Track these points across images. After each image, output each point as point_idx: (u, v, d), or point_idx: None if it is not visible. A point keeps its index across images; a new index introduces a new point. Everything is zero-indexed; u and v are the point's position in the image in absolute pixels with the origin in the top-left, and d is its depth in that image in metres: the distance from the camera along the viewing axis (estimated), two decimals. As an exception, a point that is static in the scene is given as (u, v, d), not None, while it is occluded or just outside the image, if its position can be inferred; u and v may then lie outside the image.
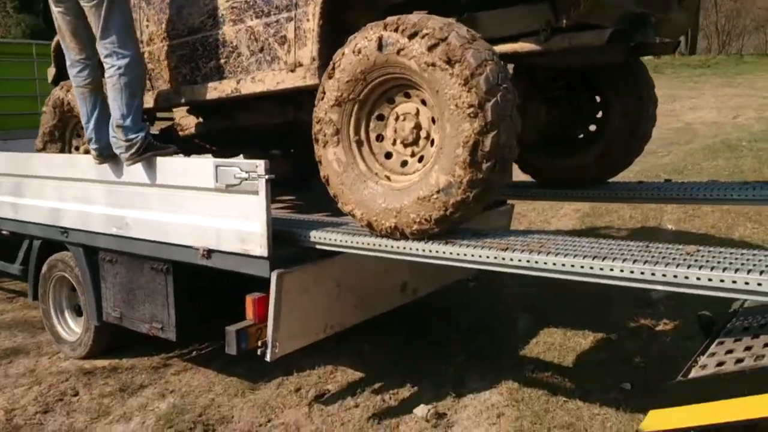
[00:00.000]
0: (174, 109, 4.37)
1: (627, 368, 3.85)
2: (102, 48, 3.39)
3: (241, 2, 3.37)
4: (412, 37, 2.54)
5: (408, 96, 2.78)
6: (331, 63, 2.82)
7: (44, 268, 4.59)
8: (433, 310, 4.93)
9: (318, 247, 3.19)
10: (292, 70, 3.16)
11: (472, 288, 5.46)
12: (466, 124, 2.43)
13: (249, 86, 3.42)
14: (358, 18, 2.96)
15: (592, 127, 3.89)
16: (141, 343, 4.34)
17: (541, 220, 7.44)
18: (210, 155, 4.79)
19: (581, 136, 3.92)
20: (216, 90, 3.59)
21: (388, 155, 2.90)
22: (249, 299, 3.32)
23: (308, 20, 3.07)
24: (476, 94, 2.40)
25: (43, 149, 4.58)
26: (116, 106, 3.41)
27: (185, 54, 3.74)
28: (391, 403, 3.62)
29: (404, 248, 2.82)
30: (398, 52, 2.59)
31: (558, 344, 4.25)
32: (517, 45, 2.83)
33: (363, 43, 2.70)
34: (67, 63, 3.67)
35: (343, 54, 2.78)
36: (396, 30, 2.59)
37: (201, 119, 4.19)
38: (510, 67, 3.15)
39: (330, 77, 2.82)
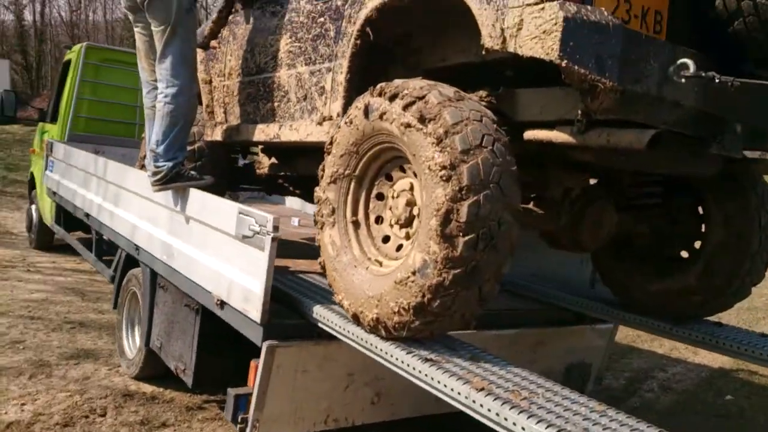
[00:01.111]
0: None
1: None
2: (157, 72, 3.41)
3: (296, 47, 3.22)
4: (392, 99, 2.22)
5: (403, 170, 2.37)
6: (329, 137, 2.53)
7: (125, 280, 4.63)
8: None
9: (320, 325, 2.74)
10: (320, 123, 2.93)
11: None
12: (439, 189, 2.04)
13: (287, 133, 3.26)
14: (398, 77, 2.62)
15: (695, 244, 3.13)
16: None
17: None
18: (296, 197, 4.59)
19: (680, 254, 3.21)
20: (263, 132, 3.47)
21: (386, 239, 2.48)
22: (253, 364, 2.97)
23: (341, 73, 2.83)
24: (449, 154, 2.02)
25: (141, 168, 4.66)
26: (154, 131, 3.41)
27: (251, 92, 3.65)
28: None
29: (380, 349, 2.37)
30: (381, 117, 2.25)
31: None
32: (552, 133, 2.31)
33: (354, 112, 2.40)
34: (141, 83, 3.71)
35: (339, 126, 2.48)
36: (380, 94, 2.32)
37: (273, 160, 3.99)
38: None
39: (328, 153, 2.53)
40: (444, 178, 2.02)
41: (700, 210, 3.12)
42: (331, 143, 2.52)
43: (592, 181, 3.08)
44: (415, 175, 2.27)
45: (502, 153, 2.08)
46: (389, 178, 2.44)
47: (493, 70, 2.41)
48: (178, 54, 3.31)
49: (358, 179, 2.47)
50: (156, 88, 3.55)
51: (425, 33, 2.72)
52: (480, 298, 2.14)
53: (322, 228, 2.57)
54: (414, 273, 2.10)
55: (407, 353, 2.27)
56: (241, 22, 3.80)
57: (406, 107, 2.17)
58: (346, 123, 2.43)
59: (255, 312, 2.78)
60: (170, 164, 3.39)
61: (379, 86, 2.34)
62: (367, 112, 2.33)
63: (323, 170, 2.55)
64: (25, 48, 33.62)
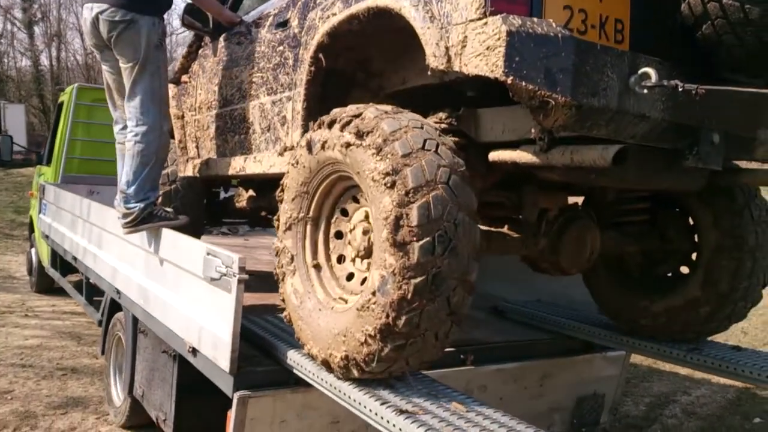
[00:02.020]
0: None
1: None
2: (126, 110, 3.31)
3: (259, 77, 3.15)
4: (330, 125, 2.15)
5: (357, 200, 2.25)
6: (279, 184, 2.46)
7: (111, 324, 4.45)
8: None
9: (294, 371, 2.51)
10: (281, 154, 2.82)
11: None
12: (385, 197, 1.94)
13: (251, 166, 3.18)
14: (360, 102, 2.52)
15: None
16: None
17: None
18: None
19: (677, 270, 3.07)
20: (230, 166, 3.40)
21: (350, 276, 2.33)
22: (229, 414, 2.73)
23: (299, 101, 2.75)
24: (390, 160, 1.94)
25: None
26: (125, 171, 3.31)
27: (220, 126, 3.58)
28: None
29: (353, 399, 2.18)
30: (323, 146, 2.18)
31: None
32: (515, 153, 2.18)
33: (298, 152, 2.34)
34: (113, 120, 3.61)
35: (287, 171, 2.42)
36: (320, 126, 2.24)
37: (251, 192, 3.84)
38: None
39: (280, 200, 2.45)
40: (388, 185, 1.92)
41: (690, 220, 2.99)
42: (282, 190, 2.44)
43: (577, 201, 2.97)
44: (367, 200, 2.14)
45: (448, 155, 1.99)
46: (345, 213, 2.31)
47: (455, 91, 2.28)
48: (148, 91, 3.22)
49: (314, 220, 2.36)
50: (125, 125, 3.43)
51: (384, 56, 2.63)
52: (450, 311, 1.97)
53: (283, 279, 2.45)
54: (374, 293, 1.96)
55: (381, 403, 2.07)
56: (210, 56, 3.74)
57: (343, 128, 2.10)
58: (292, 165, 2.36)
59: (224, 361, 2.58)
60: (141, 205, 3.27)
61: (318, 120, 2.27)
62: (309, 147, 2.25)
63: (278, 219, 2.46)
64: (41, 92, 34.18)
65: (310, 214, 2.35)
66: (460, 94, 2.27)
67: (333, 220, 2.35)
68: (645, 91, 1.85)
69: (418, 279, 1.87)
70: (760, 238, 2.76)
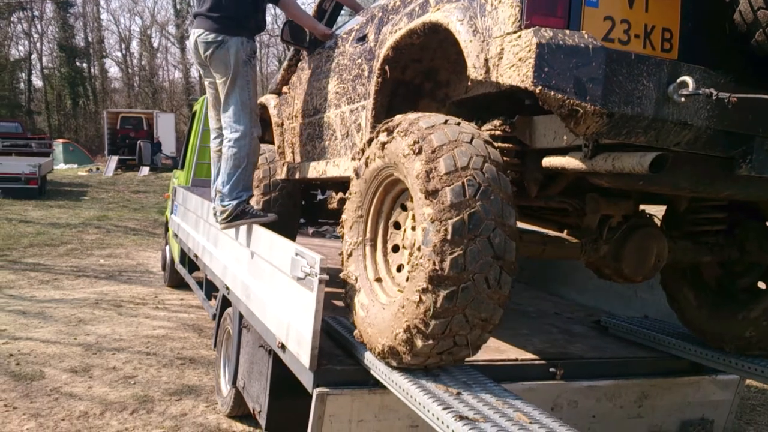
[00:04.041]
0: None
1: None
2: (222, 120, 3.74)
3: (341, 88, 3.41)
4: (370, 142, 2.43)
5: (405, 209, 2.47)
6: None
7: (222, 319, 4.71)
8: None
9: (371, 372, 2.56)
10: (354, 158, 2.97)
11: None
12: (416, 163, 2.19)
13: (331, 170, 3.44)
14: (428, 110, 2.77)
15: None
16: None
17: None
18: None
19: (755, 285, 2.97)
20: (315, 169, 3.68)
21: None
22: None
23: (370, 110, 2.96)
24: (416, 134, 2.21)
25: None
26: (221, 173, 3.72)
27: (310, 133, 3.87)
28: None
29: (417, 402, 2.25)
30: (367, 163, 2.47)
31: None
32: (564, 160, 2.26)
33: (352, 181, 2.67)
34: (210, 130, 4.07)
35: (345, 203, 2.75)
36: (362, 151, 2.56)
37: (341, 195, 4.07)
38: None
39: (341, 235, 2.74)
40: (416, 152, 2.18)
41: None
42: (342, 225, 2.68)
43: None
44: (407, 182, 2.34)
45: (469, 127, 2.21)
46: (397, 226, 2.50)
47: (515, 100, 2.36)
48: (239, 102, 3.60)
49: (372, 242, 2.59)
50: (221, 135, 3.85)
51: (450, 67, 2.74)
52: (495, 254, 2.07)
53: (351, 306, 2.67)
54: (419, 249, 2.15)
55: (443, 408, 2.11)
56: (306, 68, 4.06)
57: (377, 135, 2.38)
58: (347, 198, 2.62)
59: (305, 357, 2.70)
60: (235, 203, 3.65)
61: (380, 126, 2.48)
62: (357, 173, 2.51)
63: (341, 254, 2.68)
64: (191, 102, 36.95)
65: (368, 235, 2.56)
66: (518, 103, 2.34)
67: (389, 236, 2.53)
68: (683, 99, 1.88)
69: (455, 218, 2.00)
70: None
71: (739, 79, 2.04)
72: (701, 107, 1.94)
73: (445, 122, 2.22)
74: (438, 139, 2.14)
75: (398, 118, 2.36)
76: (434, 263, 2.03)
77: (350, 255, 2.64)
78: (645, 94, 1.89)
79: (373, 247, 2.58)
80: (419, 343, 2.18)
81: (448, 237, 2.01)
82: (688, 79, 1.87)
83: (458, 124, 2.21)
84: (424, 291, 2.07)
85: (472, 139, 2.14)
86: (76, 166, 26.24)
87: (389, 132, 2.35)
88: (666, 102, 1.90)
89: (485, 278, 2.06)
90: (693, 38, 2.12)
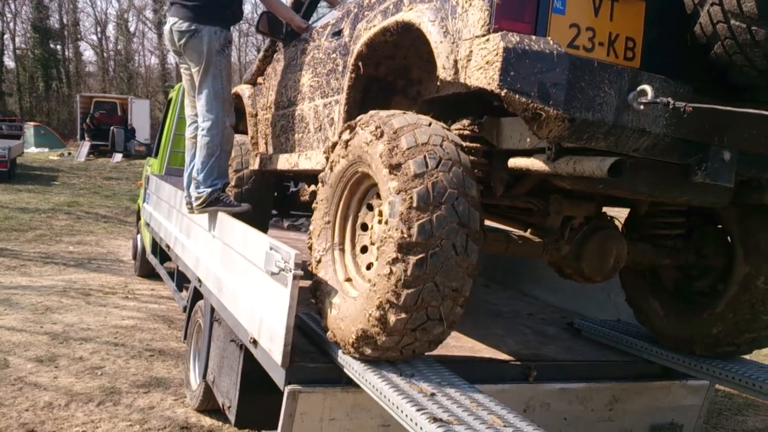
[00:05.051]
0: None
1: None
2: (197, 108, 3.78)
3: (315, 81, 3.47)
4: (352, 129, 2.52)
5: (372, 208, 2.57)
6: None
7: (193, 311, 4.66)
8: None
9: (345, 370, 2.54)
10: (326, 152, 2.96)
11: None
12: (379, 145, 2.29)
13: (303, 162, 3.51)
14: (400, 107, 2.82)
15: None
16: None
17: None
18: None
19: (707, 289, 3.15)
20: (287, 161, 3.76)
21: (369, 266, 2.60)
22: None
23: (343, 104, 3.01)
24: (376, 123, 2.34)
25: None
26: (195, 161, 3.79)
27: (284, 124, 3.93)
28: None
29: (391, 402, 2.26)
30: (332, 168, 2.61)
31: None
32: (529, 161, 2.33)
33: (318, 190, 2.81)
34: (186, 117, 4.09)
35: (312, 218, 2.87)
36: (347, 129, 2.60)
37: (313, 187, 4.17)
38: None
39: (309, 247, 2.85)
40: (378, 135, 2.29)
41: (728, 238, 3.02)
42: (309, 235, 2.77)
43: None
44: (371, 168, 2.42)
45: (426, 118, 2.33)
46: (364, 227, 2.58)
47: (484, 100, 2.39)
48: (211, 91, 3.65)
49: (340, 246, 2.66)
50: (196, 122, 3.89)
51: (421, 65, 2.79)
52: (460, 221, 2.15)
53: (323, 310, 2.70)
54: (387, 222, 2.23)
55: (417, 409, 2.12)
56: (281, 60, 4.10)
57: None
58: (314, 207, 2.76)
59: (277, 353, 2.68)
60: (209, 190, 3.71)
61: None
62: (322, 180, 2.73)
63: (309, 263, 2.72)
64: (167, 89, 36.63)
65: (336, 240, 2.63)
66: (488, 103, 2.39)
67: (356, 238, 2.59)
68: (642, 107, 1.95)
69: (419, 187, 2.10)
70: None
71: (698, 89, 2.12)
72: (660, 115, 2.02)
73: (404, 113, 2.36)
74: (398, 122, 2.27)
75: (359, 117, 2.49)
76: (402, 231, 2.11)
77: (319, 261, 2.70)
78: (606, 100, 1.97)
79: (342, 251, 2.65)
80: (392, 318, 2.22)
81: (414, 204, 2.10)
82: (648, 88, 1.94)
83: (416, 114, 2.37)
84: (394, 261, 2.14)
85: (431, 123, 2.29)
86: (47, 150, 25.78)
87: (351, 129, 2.47)
88: (626, 109, 1.99)
89: (452, 244, 2.13)
90: (656, 48, 2.21)
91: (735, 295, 2.88)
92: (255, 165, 4.31)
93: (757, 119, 1.99)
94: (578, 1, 2.10)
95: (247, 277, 3.28)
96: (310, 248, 2.77)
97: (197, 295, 4.73)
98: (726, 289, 2.93)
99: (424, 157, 2.15)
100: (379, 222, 2.42)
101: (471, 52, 2.07)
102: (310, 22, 4.04)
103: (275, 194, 4.74)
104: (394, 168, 2.17)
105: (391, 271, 2.14)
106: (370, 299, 2.28)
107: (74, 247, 10.28)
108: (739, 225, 2.88)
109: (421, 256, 2.10)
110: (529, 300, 4.89)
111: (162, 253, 7.00)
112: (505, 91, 1.94)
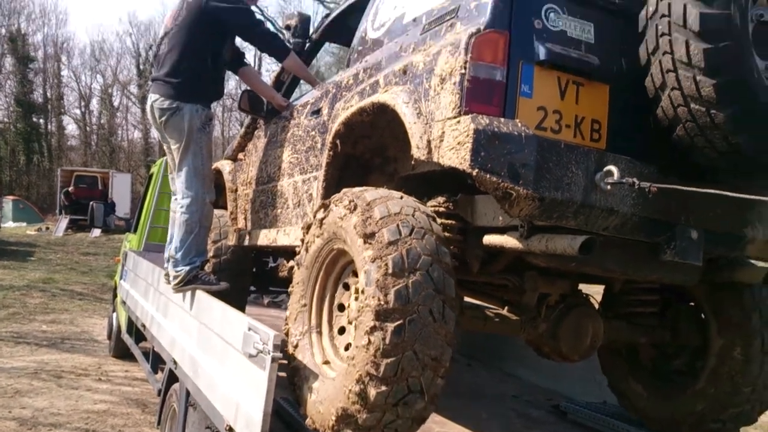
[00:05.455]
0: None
1: None
2: (177, 184, 3.78)
3: (295, 158, 3.53)
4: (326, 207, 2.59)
5: (348, 288, 2.59)
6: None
7: (168, 395, 4.52)
8: None
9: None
10: (304, 228, 2.99)
11: None
12: (353, 218, 2.33)
13: (281, 238, 3.54)
14: (376, 185, 2.90)
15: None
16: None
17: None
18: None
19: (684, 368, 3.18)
20: (266, 237, 3.78)
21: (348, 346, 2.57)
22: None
23: (321, 181, 3.06)
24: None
25: None
26: (174, 238, 3.74)
27: (263, 200, 3.96)
28: None
29: None
30: (307, 249, 2.66)
31: None
32: (502, 238, 2.38)
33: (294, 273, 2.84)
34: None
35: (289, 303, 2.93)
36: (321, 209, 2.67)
37: (292, 263, 4.06)
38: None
39: (286, 332, 2.80)
40: (351, 209, 2.34)
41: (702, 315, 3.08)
42: (286, 321, 2.75)
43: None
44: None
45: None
46: (341, 308, 2.59)
47: (459, 178, 2.45)
48: (191, 168, 3.65)
49: (317, 329, 2.65)
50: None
51: (397, 144, 2.85)
52: (436, 287, 2.15)
53: (301, 396, 2.65)
54: (363, 291, 2.23)
55: None
56: (262, 136, 4.17)
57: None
58: (290, 292, 2.78)
59: (252, 444, 2.53)
60: (188, 268, 3.66)
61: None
62: (298, 263, 2.73)
63: (286, 347, 2.69)
64: (149, 163, 36.86)
65: (313, 323, 2.62)
66: (462, 181, 2.45)
67: (334, 319, 2.60)
68: (609, 187, 2.03)
69: (394, 254, 2.11)
70: (766, 346, 2.81)
71: (664, 169, 2.20)
72: (626, 195, 2.10)
73: (376, 189, 2.44)
74: (371, 195, 2.33)
75: (333, 196, 2.56)
76: (379, 299, 2.11)
77: (296, 346, 2.68)
78: (574, 180, 2.05)
79: (319, 333, 2.64)
80: (373, 391, 2.17)
81: (390, 271, 2.11)
82: (613, 169, 2.03)
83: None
84: (372, 329, 2.12)
85: (402, 197, 2.35)
86: (25, 224, 25.61)
87: (325, 207, 2.52)
88: (593, 189, 2.06)
89: (429, 310, 2.12)
90: (621, 129, 2.30)
91: (714, 369, 2.90)
92: (233, 240, 4.32)
93: (722, 199, 2.04)
94: (544, 86, 2.21)
95: (224, 359, 3.19)
96: (287, 334, 2.74)
97: (172, 378, 4.59)
98: (704, 363, 2.95)
99: (397, 225, 2.19)
100: (356, 299, 2.42)
101: (443, 132, 2.15)
102: (290, 100, 4.13)
103: (254, 270, 4.71)
104: (368, 237, 2.20)
105: (370, 341, 2.12)
106: (349, 374, 2.24)
107: (48, 326, 10.06)
108: (710, 300, 2.93)
109: (399, 322, 2.09)
110: (513, 380, 4.81)
111: (138, 332, 6.85)
112: (476, 170, 2.02)
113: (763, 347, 2.81)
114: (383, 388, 2.14)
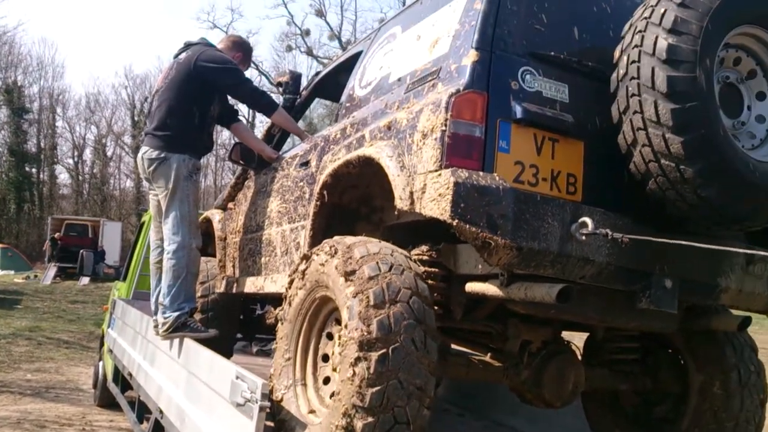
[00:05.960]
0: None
1: None
2: (163, 232, 3.82)
3: (284, 207, 3.62)
4: (307, 258, 2.66)
5: (331, 338, 2.64)
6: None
7: (159, 447, 4.47)
8: None
9: None
10: (290, 275, 3.07)
11: None
12: (335, 262, 2.42)
13: (268, 285, 3.60)
14: (363, 234, 2.97)
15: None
16: None
17: None
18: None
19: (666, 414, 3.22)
20: (254, 284, 3.84)
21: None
22: None
23: (308, 230, 3.16)
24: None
25: None
26: (162, 285, 3.78)
27: (252, 248, 4.03)
28: None
29: None
30: (290, 303, 2.72)
31: None
32: (484, 286, 2.46)
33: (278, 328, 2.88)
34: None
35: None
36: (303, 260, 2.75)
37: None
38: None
39: (272, 391, 2.80)
40: (331, 254, 2.45)
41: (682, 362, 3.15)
42: (270, 377, 2.79)
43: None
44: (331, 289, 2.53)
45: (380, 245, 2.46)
46: (325, 359, 2.64)
47: (442, 227, 2.53)
48: (178, 214, 3.73)
49: (302, 381, 2.70)
50: (160, 246, 3.94)
51: (383, 194, 2.94)
52: (415, 316, 2.23)
53: None
54: (346, 326, 2.29)
55: None
56: (252, 186, 4.29)
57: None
58: (275, 347, 2.81)
59: (238, 501, 2.54)
60: (176, 314, 3.68)
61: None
62: (281, 319, 2.81)
63: (271, 401, 2.71)
64: (140, 212, 36.78)
65: (298, 376, 2.67)
66: (445, 230, 2.53)
67: (318, 372, 2.63)
68: (584, 237, 2.11)
69: (374, 287, 2.21)
70: (744, 379, 2.88)
71: (638, 220, 2.30)
72: (601, 245, 2.19)
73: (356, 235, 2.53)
74: (350, 240, 2.44)
75: (313, 248, 2.66)
76: (362, 330, 2.17)
77: (281, 400, 2.70)
78: (550, 231, 2.15)
79: (304, 385, 2.68)
80: (359, 424, 2.18)
81: (371, 302, 2.19)
82: (588, 220, 2.12)
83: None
84: (357, 361, 2.17)
85: (380, 241, 2.47)
86: (12, 272, 25.40)
87: (307, 258, 2.61)
88: (569, 239, 2.15)
89: (412, 339, 2.19)
90: (596, 183, 2.41)
91: (696, 407, 2.95)
92: (221, 287, 4.38)
93: (695, 249, 2.13)
94: (521, 142, 2.33)
95: (211, 408, 3.18)
96: (272, 391, 2.76)
97: (158, 428, 4.53)
98: (686, 406, 2.99)
99: (377, 262, 2.29)
100: (339, 345, 2.45)
101: (425, 185, 2.26)
102: (280, 152, 4.26)
103: (241, 317, 4.76)
104: (349, 274, 2.29)
105: (355, 372, 2.16)
106: (335, 410, 2.27)
107: (32, 374, 9.92)
108: (687, 343, 3.01)
109: (382, 351, 2.14)
110: (506, 431, 4.79)
111: (124, 381, 6.80)
112: (456, 221, 2.11)
113: (741, 381, 2.88)
114: (369, 419, 2.16)
